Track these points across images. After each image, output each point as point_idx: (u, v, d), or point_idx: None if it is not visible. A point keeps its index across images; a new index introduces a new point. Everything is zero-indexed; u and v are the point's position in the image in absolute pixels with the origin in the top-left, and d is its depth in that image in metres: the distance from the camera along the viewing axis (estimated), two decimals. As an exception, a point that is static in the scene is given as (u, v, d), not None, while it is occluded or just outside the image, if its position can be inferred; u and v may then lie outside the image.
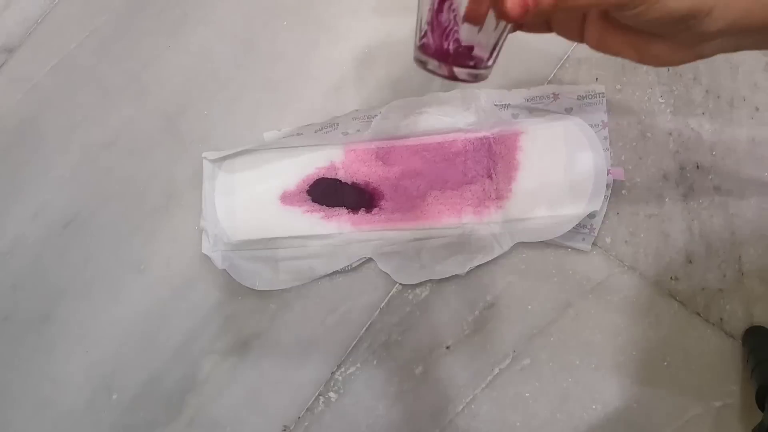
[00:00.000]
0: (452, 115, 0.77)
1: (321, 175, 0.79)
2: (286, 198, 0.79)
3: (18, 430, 0.82)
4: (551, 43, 0.77)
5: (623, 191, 0.75)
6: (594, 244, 0.75)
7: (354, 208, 0.78)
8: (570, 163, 0.74)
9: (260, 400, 0.79)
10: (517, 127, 0.76)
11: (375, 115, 0.78)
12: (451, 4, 0.42)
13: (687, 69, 0.75)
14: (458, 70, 0.44)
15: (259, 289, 0.79)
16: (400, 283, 0.78)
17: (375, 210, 0.78)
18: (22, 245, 0.85)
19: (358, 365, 0.78)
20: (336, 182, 0.79)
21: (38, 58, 0.88)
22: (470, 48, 0.44)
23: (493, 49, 0.44)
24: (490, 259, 0.75)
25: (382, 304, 0.78)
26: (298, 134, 0.80)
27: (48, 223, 0.85)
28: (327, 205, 0.79)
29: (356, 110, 0.79)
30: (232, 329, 0.80)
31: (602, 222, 0.75)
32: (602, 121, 0.75)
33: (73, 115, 0.86)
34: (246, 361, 0.80)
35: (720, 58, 0.73)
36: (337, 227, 0.78)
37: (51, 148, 0.86)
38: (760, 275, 0.73)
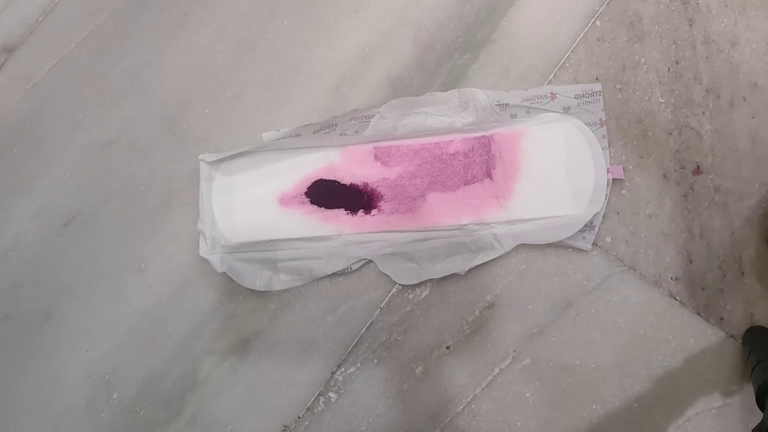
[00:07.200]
0: (450, 115, 0.77)
1: (319, 177, 0.79)
2: (285, 200, 0.79)
3: (18, 429, 0.83)
4: (551, 43, 0.77)
5: (623, 191, 0.75)
6: (594, 243, 0.75)
7: (353, 210, 0.78)
8: (570, 164, 0.75)
9: (260, 399, 0.79)
10: (516, 127, 0.76)
11: (373, 115, 0.78)
12: None
13: (687, 69, 0.75)
14: None
15: (259, 289, 0.79)
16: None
17: (374, 211, 0.78)
18: (22, 244, 0.85)
19: (359, 365, 0.78)
20: (334, 183, 0.79)
21: (38, 57, 0.88)
22: None
23: None
24: (490, 259, 0.75)
25: (383, 304, 0.78)
26: (296, 135, 0.79)
27: (48, 222, 0.85)
28: (325, 207, 0.79)
29: (354, 110, 0.79)
30: (233, 329, 0.80)
31: (602, 222, 0.74)
32: (600, 119, 0.75)
33: (74, 114, 0.86)
34: (246, 361, 0.80)
35: (720, 58, 0.73)
36: (336, 229, 0.78)
37: (51, 148, 0.86)
38: (760, 275, 0.73)
